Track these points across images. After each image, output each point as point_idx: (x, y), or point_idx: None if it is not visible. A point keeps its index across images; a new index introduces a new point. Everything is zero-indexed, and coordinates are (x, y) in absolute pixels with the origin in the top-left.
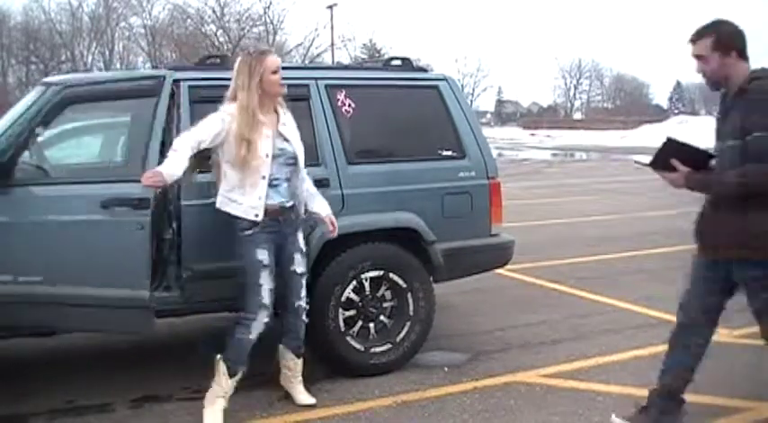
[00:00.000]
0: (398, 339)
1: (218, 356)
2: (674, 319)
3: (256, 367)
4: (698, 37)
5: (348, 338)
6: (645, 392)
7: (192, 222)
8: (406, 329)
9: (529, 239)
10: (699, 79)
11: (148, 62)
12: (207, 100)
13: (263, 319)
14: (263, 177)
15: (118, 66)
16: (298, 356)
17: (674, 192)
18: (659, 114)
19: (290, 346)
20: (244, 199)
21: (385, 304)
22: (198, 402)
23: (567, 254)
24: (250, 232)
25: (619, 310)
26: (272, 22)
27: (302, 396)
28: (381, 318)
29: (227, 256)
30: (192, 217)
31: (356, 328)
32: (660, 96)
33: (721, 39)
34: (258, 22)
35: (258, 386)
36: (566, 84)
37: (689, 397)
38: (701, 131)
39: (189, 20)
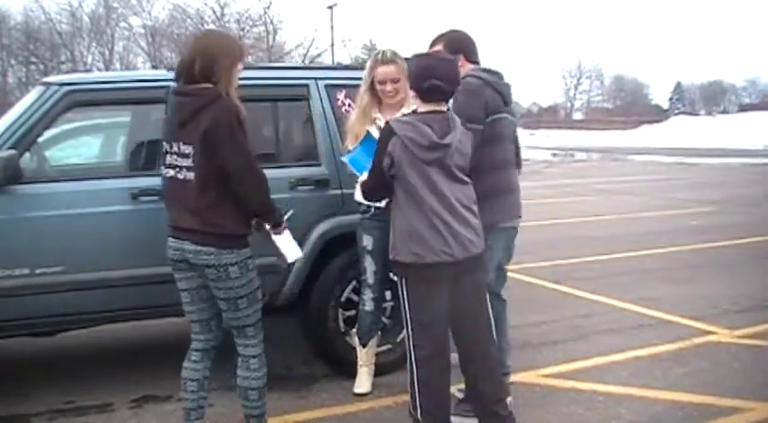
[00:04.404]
0: (398, 339)
1: (353, 330)
2: (673, 319)
3: None
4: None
5: (348, 339)
6: (645, 392)
7: None
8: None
9: (529, 239)
10: (699, 80)
11: (148, 62)
12: None
13: (370, 294)
14: None
15: (118, 66)
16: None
17: (674, 193)
18: (659, 114)
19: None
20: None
21: (385, 304)
22: None
23: (567, 254)
24: (361, 218)
25: (619, 310)
26: (271, 23)
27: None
28: (381, 318)
29: None
30: None
31: (356, 329)
32: (660, 96)
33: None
34: (258, 23)
35: None
36: (566, 84)
37: (689, 397)
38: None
39: (189, 20)
